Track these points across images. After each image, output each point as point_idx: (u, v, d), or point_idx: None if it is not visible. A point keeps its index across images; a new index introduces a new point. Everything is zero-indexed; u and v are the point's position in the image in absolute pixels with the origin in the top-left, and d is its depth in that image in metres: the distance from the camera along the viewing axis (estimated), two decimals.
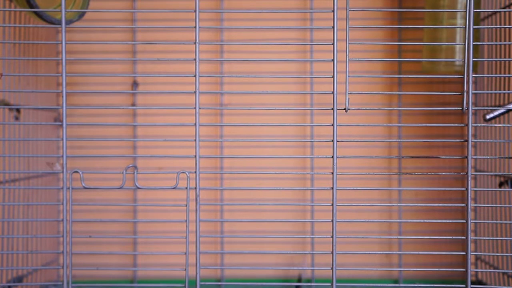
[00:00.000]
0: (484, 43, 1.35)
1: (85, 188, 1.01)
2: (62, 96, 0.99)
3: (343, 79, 0.98)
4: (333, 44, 0.98)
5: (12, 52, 1.33)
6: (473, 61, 0.98)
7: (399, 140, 1.58)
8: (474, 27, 0.98)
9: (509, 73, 1.37)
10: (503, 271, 1.35)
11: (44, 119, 1.48)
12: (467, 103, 0.99)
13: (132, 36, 1.59)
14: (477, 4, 1.35)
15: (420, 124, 1.46)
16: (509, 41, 1.34)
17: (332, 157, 1.00)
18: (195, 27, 0.98)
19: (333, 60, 0.99)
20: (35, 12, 1.16)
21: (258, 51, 1.51)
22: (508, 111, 1.13)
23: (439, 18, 1.41)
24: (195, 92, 0.99)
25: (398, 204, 1.60)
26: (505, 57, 1.37)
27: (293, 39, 1.58)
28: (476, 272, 1.52)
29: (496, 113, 1.13)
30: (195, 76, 0.99)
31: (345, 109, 1.02)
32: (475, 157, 1.13)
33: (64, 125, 0.99)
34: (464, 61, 0.98)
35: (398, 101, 1.58)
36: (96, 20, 1.50)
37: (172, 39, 1.54)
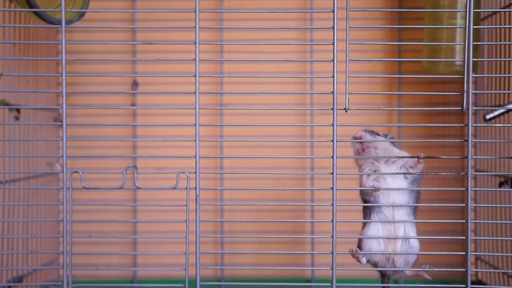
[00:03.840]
0: (484, 43, 1.35)
1: (85, 188, 1.01)
2: (62, 96, 0.99)
3: (343, 79, 0.98)
4: (333, 44, 0.98)
5: (12, 52, 1.33)
6: (473, 61, 0.98)
7: (399, 140, 1.57)
8: (474, 27, 0.98)
9: (509, 73, 1.37)
10: (503, 271, 1.35)
11: (44, 119, 1.48)
12: (467, 103, 0.99)
13: (132, 36, 1.59)
14: (477, 4, 1.35)
15: (420, 124, 1.46)
16: (509, 41, 1.34)
17: (332, 157, 1.00)
18: (195, 27, 0.98)
19: (333, 60, 0.99)
20: (35, 12, 1.16)
21: (258, 51, 1.51)
22: (508, 111, 1.13)
23: (439, 18, 1.41)
24: (195, 92, 0.99)
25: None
26: (505, 57, 1.37)
27: (293, 39, 1.58)
28: (476, 272, 1.52)
29: (496, 113, 1.13)
30: (195, 76, 0.99)
31: (345, 109, 1.02)
32: (475, 157, 1.13)
33: (64, 125, 0.99)
34: (464, 61, 0.98)
35: (398, 101, 1.58)
36: (96, 20, 1.50)
37: (172, 39, 1.54)
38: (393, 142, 1.15)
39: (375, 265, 1.12)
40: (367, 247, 1.10)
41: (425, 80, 1.55)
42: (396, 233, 1.10)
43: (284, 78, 1.53)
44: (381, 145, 1.12)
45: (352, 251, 1.10)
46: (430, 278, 1.12)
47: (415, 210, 1.14)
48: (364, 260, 1.11)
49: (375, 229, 1.10)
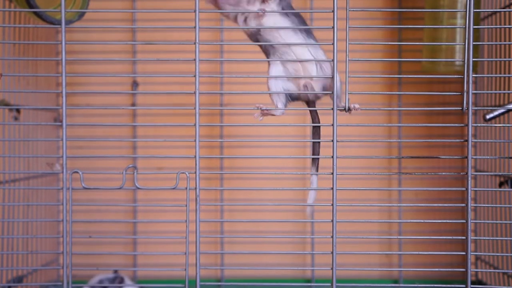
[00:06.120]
0: (484, 43, 1.35)
1: (85, 188, 1.01)
2: (62, 96, 0.99)
3: (343, 79, 0.98)
4: (333, 44, 0.98)
5: (12, 52, 1.33)
6: (473, 61, 0.98)
7: (399, 140, 1.57)
8: (474, 27, 0.98)
9: (509, 73, 1.37)
10: (503, 271, 1.36)
11: (44, 119, 1.48)
12: (467, 103, 0.99)
13: (132, 36, 1.59)
14: (477, 4, 1.35)
15: (420, 124, 1.46)
16: (509, 41, 1.34)
17: (332, 157, 1.00)
18: (195, 27, 0.98)
19: (333, 60, 0.99)
20: (35, 12, 1.16)
21: (258, 51, 1.51)
22: (508, 111, 1.13)
23: (439, 18, 1.41)
24: (195, 92, 0.99)
25: (398, 204, 1.60)
26: (505, 57, 1.37)
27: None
28: (476, 272, 1.52)
29: (496, 113, 1.13)
30: (195, 76, 0.99)
31: (345, 109, 1.02)
32: (475, 157, 1.13)
33: (64, 125, 0.99)
34: (464, 61, 0.98)
35: (398, 101, 1.58)
36: (96, 20, 1.50)
37: (172, 39, 1.54)
38: None
39: (297, 99, 1.07)
40: (276, 94, 1.06)
41: (425, 80, 1.55)
42: (303, 69, 1.06)
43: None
44: None
45: (260, 109, 1.07)
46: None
47: (308, 34, 1.09)
48: (278, 112, 1.07)
49: (277, 69, 1.07)
